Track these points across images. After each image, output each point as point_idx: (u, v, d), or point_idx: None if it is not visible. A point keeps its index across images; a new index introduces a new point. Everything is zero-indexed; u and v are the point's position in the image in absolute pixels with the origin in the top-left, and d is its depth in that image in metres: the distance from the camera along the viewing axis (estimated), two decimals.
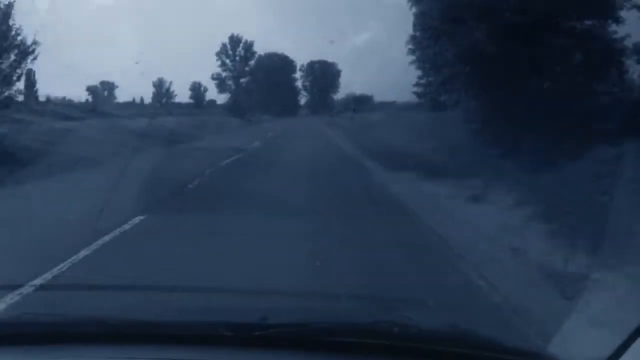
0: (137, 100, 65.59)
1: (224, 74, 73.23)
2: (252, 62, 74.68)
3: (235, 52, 73.67)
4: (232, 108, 66.39)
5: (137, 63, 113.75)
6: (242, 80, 74.05)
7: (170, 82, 70.71)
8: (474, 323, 2.23)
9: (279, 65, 77.29)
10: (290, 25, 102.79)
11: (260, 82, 73.78)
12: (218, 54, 72.88)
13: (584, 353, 1.82)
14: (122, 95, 67.28)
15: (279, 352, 1.54)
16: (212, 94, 74.53)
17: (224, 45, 72.99)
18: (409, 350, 1.52)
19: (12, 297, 3.93)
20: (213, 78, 72.82)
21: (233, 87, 73.31)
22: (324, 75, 79.55)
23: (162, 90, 71.44)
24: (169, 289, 3.53)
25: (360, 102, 57.30)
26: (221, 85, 73.29)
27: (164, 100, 70.14)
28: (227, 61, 73.44)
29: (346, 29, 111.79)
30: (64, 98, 43.39)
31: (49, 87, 79.05)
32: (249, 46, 74.02)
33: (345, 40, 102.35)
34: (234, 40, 73.22)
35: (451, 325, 1.74)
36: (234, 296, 3.27)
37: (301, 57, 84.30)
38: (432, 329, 1.71)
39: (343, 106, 70.36)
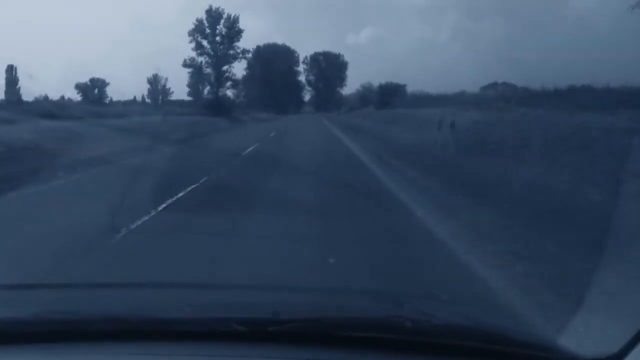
0: (139, 98, 59.67)
1: (200, 60, 54.08)
2: (238, 44, 54.92)
3: (215, 30, 53.71)
4: (212, 105, 48.72)
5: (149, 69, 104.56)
6: (225, 67, 54.40)
7: (166, 79, 61.49)
8: (486, 317, 2.09)
9: (280, 57, 66.01)
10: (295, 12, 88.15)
11: (258, 76, 61.48)
12: (192, 33, 53.30)
13: (594, 347, 1.66)
14: (114, 93, 59.64)
15: (292, 347, 1.55)
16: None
17: (199, 21, 53.48)
18: (422, 344, 1.53)
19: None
20: (185, 65, 53.96)
21: (213, 76, 54.02)
22: (329, 67, 69.91)
23: (157, 87, 62.67)
24: (182, 286, 3.32)
25: (388, 94, 39.86)
26: (197, 74, 54.46)
27: (159, 98, 61.52)
28: (204, 42, 53.72)
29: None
30: (62, 97, 40.49)
31: (32, 84, 71.43)
32: (232, 22, 53.88)
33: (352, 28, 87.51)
34: (213, 16, 53.43)
35: (464, 319, 1.75)
36: (246, 292, 2.92)
37: (307, 49, 75.93)
38: (444, 323, 1.67)
39: (359, 101, 54.50)
